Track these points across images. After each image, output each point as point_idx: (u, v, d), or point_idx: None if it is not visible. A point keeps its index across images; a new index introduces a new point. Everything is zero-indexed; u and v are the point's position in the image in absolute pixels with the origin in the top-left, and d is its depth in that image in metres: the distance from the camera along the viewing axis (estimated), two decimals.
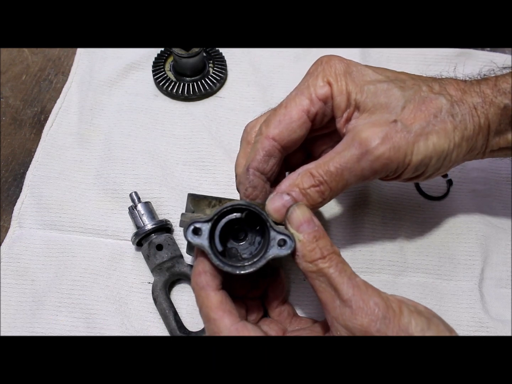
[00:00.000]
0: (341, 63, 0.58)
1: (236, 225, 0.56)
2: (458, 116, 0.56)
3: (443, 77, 0.60)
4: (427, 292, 0.67)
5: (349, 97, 0.57)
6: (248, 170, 0.58)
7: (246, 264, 0.53)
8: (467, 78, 0.60)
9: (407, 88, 0.57)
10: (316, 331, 0.57)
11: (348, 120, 0.57)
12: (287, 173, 0.65)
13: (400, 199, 0.74)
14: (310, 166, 0.55)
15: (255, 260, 0.53)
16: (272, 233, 0.52)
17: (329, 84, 0.57)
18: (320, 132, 0.62)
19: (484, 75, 0.60)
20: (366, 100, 0.56)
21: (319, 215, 0.73)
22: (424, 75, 0.60)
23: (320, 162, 0.55)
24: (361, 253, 0.70)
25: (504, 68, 0.61)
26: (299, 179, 0.55)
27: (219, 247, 0.53)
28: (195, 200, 0.58)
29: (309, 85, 0.58)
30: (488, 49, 0.86)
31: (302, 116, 0.57)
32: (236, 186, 0.63)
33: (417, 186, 0.75)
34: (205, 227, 0.52)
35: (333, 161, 0.54)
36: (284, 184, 0.55)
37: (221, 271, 0.53)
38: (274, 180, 0.61)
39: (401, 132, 0.54)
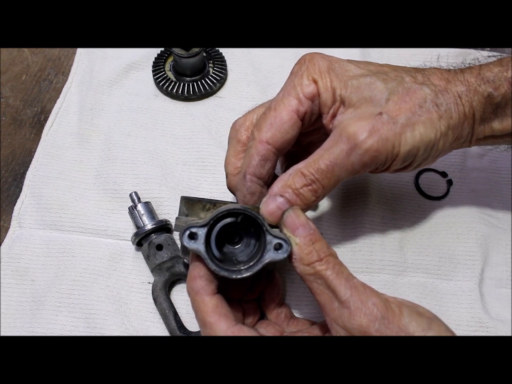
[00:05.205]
0: (324, 60, 0.58)
1: (231, 228, 0.55)
2: (443, 105, 0.56)
3: (426, 67, 0.60)
4: (427, 292, 0.67)
5: (334, 93, 0.57)
6: (245, 176, 0.57)
7: (242, 268, 0.53)
8: (451, 67, 0.60)
9: (390, 80, 0.57)
10: (314, 333, 0.57)
11: (334, 116, 0.57)
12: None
13: (400, 199, 0.74)
14: (300, 165, 0.55)
15: (251, 264, 0.53)
16: (268, 237, 0.52)
17: (315, 81, 0.57)
18: (307, 129, 0.62)
19: (469, 63, 0.60)
20: (351, 95, 0.56)
21: (319, 215, 0.73)
22: (408, 66, 0.60)
23: (310, 160, 0.55)
24: (361, 253, 0.70)
25: (489, 56, 0.61)
26: (290, 180, 0.54)
27: (216, 252, 0.53)
28: (189, 203, 0.58)
29: (295, 85, 0.58)
30: (488, 49, 0.86)
31: (292, 117, 0.57)
32: (228, 186, 0.63)
33: (417, 186, 0.75)
34: (201, 232, 0.52)
35: (322, 159, 0.54)
36: (276, 186, 0.55)
37: (217, 276, 0.53)
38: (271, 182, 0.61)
39: (388, 124, 0.54)
